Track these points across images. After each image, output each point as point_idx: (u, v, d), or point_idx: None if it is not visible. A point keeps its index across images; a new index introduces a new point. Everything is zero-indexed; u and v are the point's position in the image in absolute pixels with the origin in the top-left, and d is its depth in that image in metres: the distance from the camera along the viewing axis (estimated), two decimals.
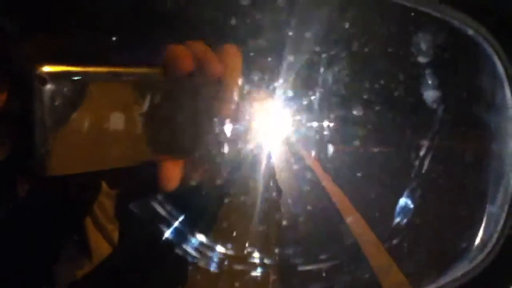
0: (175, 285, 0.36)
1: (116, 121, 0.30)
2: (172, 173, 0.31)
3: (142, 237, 0.35)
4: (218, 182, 0.34)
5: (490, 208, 0.43)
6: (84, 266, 0.34)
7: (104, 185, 0.34)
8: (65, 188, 0.32)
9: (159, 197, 0.33)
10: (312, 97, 0.36)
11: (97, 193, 0.34)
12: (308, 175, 0.37)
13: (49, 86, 0.27)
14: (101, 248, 0.35)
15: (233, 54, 0.33)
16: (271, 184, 0.36)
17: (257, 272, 0.35)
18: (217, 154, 0.33)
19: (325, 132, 0.37)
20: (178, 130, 0.32)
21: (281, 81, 0.35)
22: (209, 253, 0.35)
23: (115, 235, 0.35)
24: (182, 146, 0.32)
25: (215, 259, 0.35)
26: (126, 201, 0.34)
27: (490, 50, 0.40)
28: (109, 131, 0.29)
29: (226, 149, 0.33)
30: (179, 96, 0.31)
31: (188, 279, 0.35)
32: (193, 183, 0.33)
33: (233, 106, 0.33)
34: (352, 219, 0.39)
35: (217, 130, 0.33)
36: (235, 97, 0.33)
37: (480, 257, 0.43)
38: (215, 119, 0.33)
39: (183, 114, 0.32)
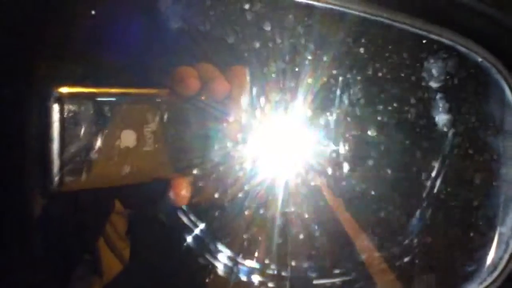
0: None
1: (127, 139, 0.31)
2: (183, 190, 0.33)
3: (154, 253, 0.36)
4: (229, 197, 0.35)
5: (500, 230, 0.44)
6: (95, 284, 0.35)
7: (116, 204, 0.35)
8: (78, 207, 0.33)
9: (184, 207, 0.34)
10: (326, 119, 0.38)
11: (110, 212, 0.35)
12: (318, 195, 0.38)
13: (64, 106, 0.29)
14: (112, 266, 0.36)
15: (239, 75, 0.34)
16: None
17: (273, 284, 0.36)
18: (225, 172, 0.35)
19: (339, 153, 0.38)
20: (186, 148, 0.33)
21: (294, 102, 0.37)
22: (229, 263, 0.36)
23: (126, 253, 0.36)
24: (191, 164, 0.33)
25: (235, 270, 0.36)
26: (138, 219, 0.35)
27: (498, 76, 0.41)
28: (121, 149, 0.31)
29: (232, 167, 0.35)
30: (187, 115, 0.33)
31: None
32: (203, 199, 0.34)
33: (240, 125, 0.34)
34: (359, 241, 0.40)
35: (224, 148, 0.34)
36: (242, 116, 0.34)
37: (490, 279, 0.43)
38: (223, 138, 0.34)
39: (192, 133, 0.33)
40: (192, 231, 0.35)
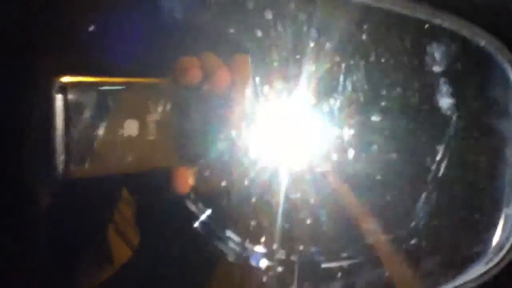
0: (202, 280, 0.38)
1: (130, 128, 0.32)
2: (184, 179, 0.34)
3: (163, 239, 0.36)
4: (235, 184, 0.36)
5: (506, 211, 0.44)
6: (106, 271, 0.36)
7: (124, 192, 0.36)
8: (86, 195, 0.34)
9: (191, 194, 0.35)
10: (330, 105, 0.38)
11: (117, 200, 0.36)
12: (324, 181, 0.39)
13: (67, 96, 0.30)
14: (122, 253, 0.36)
15: (242, 64, 0.35)
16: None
17: (283, 268, 0.37)
18: (229, 159, 0.35)
19: (344, 138, 0.39)
20: (188, 137, 0.34)
21: (298, 89, 0.37)
22: (238, 249, 0.37)
23: (136, 240, 0.37)
24: (193, 153, 0.34)
25: (244, 255, 0.37)
26: (145, 207, 0.36)
27: (502, 60, 0.42)
28: (124, 138, 0.32)
29: (237, 154, 0.35)
30: (189, 105, 0.34)
31: (215, 274, 0.37)
32: (209, 187, 0.35)
33: (242, 114, 0.35)
34: (366, 224, 0.41)
35: (227, 137, 0.35)
36: (245, 105, 0.35)
37: (496, 259, 0.44)
38: (226, 126, 0.35)
39: (193, 122, 0.34)
40: (200, 218, 0.36)
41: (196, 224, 0.36)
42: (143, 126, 0.32)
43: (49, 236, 0.33)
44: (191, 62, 0.34)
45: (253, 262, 0.37)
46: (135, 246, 0.37)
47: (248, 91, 0.35)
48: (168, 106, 0.33)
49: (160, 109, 0.33)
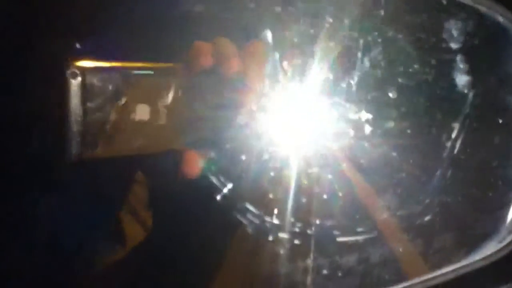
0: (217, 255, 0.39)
1: (142, 112, 0.33)
2: (194, 161, 0.34)
3: (177, 217, 0.37)
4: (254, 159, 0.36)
5: None
6: (119, 252, 0.36)
7: (138, 174, 0.36)
8: (100, 177, 0.34)
9: (213, 169, 0.36)
10: (347, 81, 0.38)
11: (131, 182, 0.36)
12: (340, 157, 0.39)
13: (80, 79, 0.31)
14: (136, 234, 0.37)
15: (256, 50, 0.35)
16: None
17: (300, 241, 0.38)
18: (242, 142, 0.36)
19: (360, 115, 0.39)
20: (199, 121, 0.35)
21: (315, 67, 0.37)
22: (257, 221, 0.37)
23: (150, 222, 0.37)
24: (204, 137, 0.35)
25: (263, 227, 0.37)
26: (159, 188, 0.37)
27: None
28: (136, 122, 0.32)
29: (251, 137, 0.36)
30: (201, 90, 0.34)
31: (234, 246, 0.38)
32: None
33: (255, 99, 0.35)
34: (380, 200, 0.41)
35: (239, 122, 0.35)
36: (258, 90, 0.35)
37: (509, 237, 0.44)
38: (237, 112, 0.35)
39: (204, 107, 0.34)
40: (221, 191, 0.36)
41: (218, 197, 0.36)
42: (154, 110, 0.33)
43: (63, 216, 0.33)
44: (204, 47, 0.34)
45: (271, 235, 0.38)
46: (148, 227, 0.37)
47: (261, 74, 0.36)
48: (181, 91, 0.33)
49: (171, 94, 0.33)
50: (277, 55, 0.36)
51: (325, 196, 0.38)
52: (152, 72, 0.33)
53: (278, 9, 0.36)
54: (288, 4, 0.36)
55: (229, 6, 0.36)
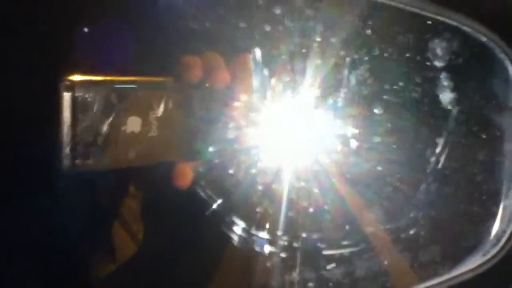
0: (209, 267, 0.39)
1: (133, 125, 0.33)
2: (185, 172, 0.35)
3: (168, 230, 0.38)
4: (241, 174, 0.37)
5: (504, 204, 0.45)
6: (109, 265, 0.37)
7: (130, 187, 0.37)
8: (93, 191, 0.35)
9: (202, 183, 0.36)
10: (334, 98, 0.39)
11: (124, 195, 0.37)
12: (326, 171, 0.40)
13: (75, 93, 0.31)
14: (126, 248, 0.37)
15: (243, 63, 0.37)
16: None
17: (286, 254, 0.39)
18: (230, 154, 0.37)
19: (347, 130, 0.40)
20: (189, 133, 0.35)
21: (302, 83, 0.38)
22: (244, 235, 0.38)
23: (141, 235, 0.38)
24: (194, 148, 0.36)
25: (250, 241, 0.38)
26: (151, 202, 0.37)
27: (502, 55, 0.43)
28: (127, 134, 0.33)
29: (239, 149, 0.37)
30: (191, 102, 0.35)
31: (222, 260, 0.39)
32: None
33: (244, 110, 0.36)
34: (366, 214, 0.42)
35: (227, 134, 0.36)
36: (245, 103, 0.36)
37: (493, 251, 0.45)
38: (225, 124, 0.36)
39: (194, 119, 0.35)
40: (210, 206, 0.37)
41: (206, 212, 0.37)
42: (145, 122, 0.34)
43: (54, 228, 0.34)
44: (192, 61, 0.35)
45: (258, 247, 0.38)
46: (139, 241, 0.38)
47: (250, 87, 0.37)
48: (172, 103, 0.34)
49: (162, 106, 0.34)
50: (266, 72, 0.37)
51: (312, 210, 0.39)
52: (143, 86, 0.34)
53: (268, 28, 0.37)
54: (278, 23, 0.37)
55: (219, 25, 0.37)
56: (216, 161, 0.37)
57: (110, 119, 0.33)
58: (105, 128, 0.32)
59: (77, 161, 0.32)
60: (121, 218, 0.37)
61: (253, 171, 0.38)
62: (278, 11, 0.37)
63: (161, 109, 0.34)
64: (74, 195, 0.34)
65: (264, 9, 0.37)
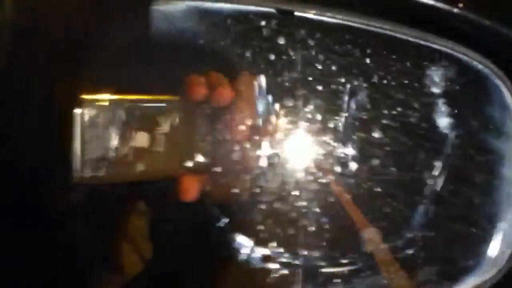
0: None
1: (141, 140, 0.35)
2: (190, 187, 0.37)
3: (176, 248, 0.39)
4: (244, 193, 0.39)
5: (501, 226, 0.46)
6: (116, 282, 0.38)
7: (137, 205, 0.38)
8: (101, 207, 0.36)
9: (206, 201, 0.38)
10: (335, 122, 0.41)
11: (131, 212, 0.38)
12: (327, 192, 0.41)
13: (86, 110, 0.33)
14: (134, 265, 0.38)
15: (246, 82, 0.38)
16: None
17: (287, 271, 0.40)
18: (236, 170, 0.38)
19: (347, 153, 0.41)
20: (194, 149, 0.37)
21: (305, 107, 0.40)
22: (248, 252, 0.39)
23: (149, 254, 0.39)
24: (199, 163, 0.37)
25: (253, 257, 0.39)
26: (158, 219, 0.39)
27: (498, 82, 0.44)
28: (135, 149, 0.35)
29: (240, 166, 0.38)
30: (196, 119, 0.37)
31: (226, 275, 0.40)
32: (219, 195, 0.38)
33: (246, 128, 0.38)
34: (366, 233, 0.43)
35: (231, 150, 0.38)
36: (248, 120, 0.38)
37: (491, 272, 0.46)
38: (230, 140, 0.38)
39: (199, 135, 0.37)
40: (215, 223, 0.39)
41: (212, 229, 0.38)
42: (152, 138, 0.35)
43: (62, 243, 0.35)
44: (196, 80, 0.37)
45: (260, 264, 0.40)
46: (146, 258, 0.39)
47: (253, 108, 0.38)
48: (176, 120, 0.36)
49: (168, 122, 0.36)
50: (270, 98, 0.39)
51: (312, 228, 0.40)
52: (151, 103, 0.36)
53: (272, 57, 0.39)
54: (281, 53, 0.39)
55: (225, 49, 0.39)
56: (220, 180, 0.38)
57: (119, 134, 0.34)
58: (114, 143, 0.34)
59: (87, 174, 0.34)
60: (129, 236, 0.38)
61: (256, 190, 0.39)
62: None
63: (167, 126, 0.36)
64: (82, 211, 0.36)
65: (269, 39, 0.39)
